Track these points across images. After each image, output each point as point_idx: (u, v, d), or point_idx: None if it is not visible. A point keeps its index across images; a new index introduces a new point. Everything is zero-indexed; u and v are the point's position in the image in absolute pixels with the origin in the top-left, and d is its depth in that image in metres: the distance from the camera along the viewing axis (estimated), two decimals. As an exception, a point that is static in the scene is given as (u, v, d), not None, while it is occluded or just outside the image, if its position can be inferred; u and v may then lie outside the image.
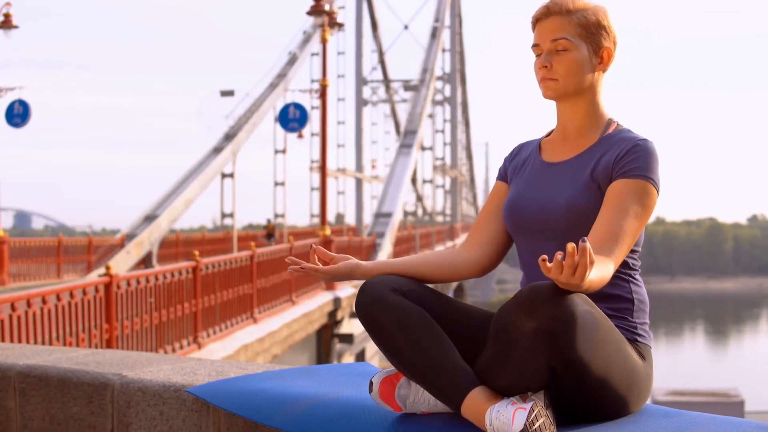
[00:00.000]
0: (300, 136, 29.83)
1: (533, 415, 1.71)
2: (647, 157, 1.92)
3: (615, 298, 1.96)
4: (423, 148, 39.72)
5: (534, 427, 1.70)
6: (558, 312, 1.68)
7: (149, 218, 20.47)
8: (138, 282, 8.20)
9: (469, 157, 70.48)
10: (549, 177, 2.03)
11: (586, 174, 1.97)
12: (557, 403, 1.81)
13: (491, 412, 1.75)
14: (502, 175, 2.17)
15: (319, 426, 1.97)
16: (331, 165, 32.66)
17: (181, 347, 9.20)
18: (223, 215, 24.36)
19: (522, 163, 2.13)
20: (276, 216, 27.11)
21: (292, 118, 21.44)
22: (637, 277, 2.01)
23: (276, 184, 26.36)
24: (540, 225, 1.99)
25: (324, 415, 1.99)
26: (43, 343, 6.47)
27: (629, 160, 1.93)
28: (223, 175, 23.26)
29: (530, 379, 1.75)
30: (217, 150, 23.07)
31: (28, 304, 6.36)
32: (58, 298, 6.80)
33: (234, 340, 10.72)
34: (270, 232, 26.56)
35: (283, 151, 26.14)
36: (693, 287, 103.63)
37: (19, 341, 6.21)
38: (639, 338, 1.95)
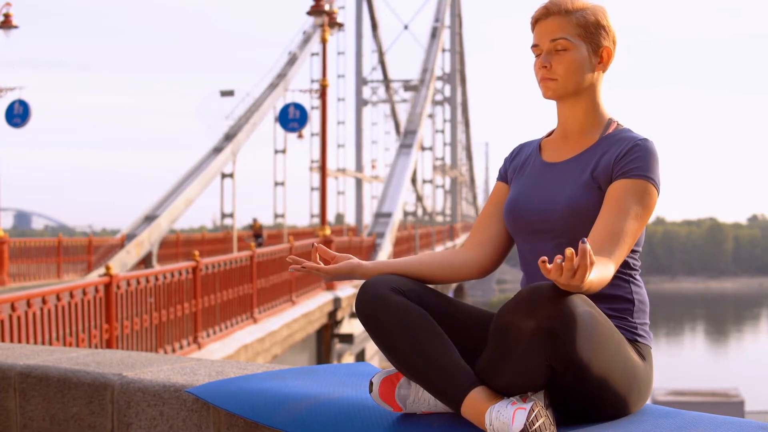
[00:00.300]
0: (300, 136, 29.82)
1: (533, 415, 1.71)
2: (647, 157, 1.92)
3: (615, 299, 1.95)
4: (423, 148, 39.69)
5: (534, 427, 1.70)
6: (558, 312, 1.68)
7: (149, 218, 20.46)
8: (138, 282, 8.20)
9: (469, 157, 70.46)
10: (549, 177, 2.03)
11: (586, 174, 1.97)
12: (557, 403, 1.81)
13: (491, 412, 1.75)
14: (503, 176, 2.17)
15: (319, 426, 1.96)
16: (331, 165, 32.68)
17: (181, 347, 9.20)
18: (223, 215, 24.33)
19: (522, 164, 2.12)
20: (276, 216, 27.05)
21: (292, 118, 21.42)
22: (638, 277, 2.00)
23: (276, 184, 26.37)
24: (540, 225, 1.99)
25: (324, 415, 1.99)
26: (43, 343, 6.47)
27: (629, 160, 1.92)
28: (223, 175, 23.25)
29: (530, 379, 1.75)
30: (217, 150, 23.06)
31: (28, 304, 6.36)
32: (58, 298, 6.80)
33: (234, 340, 10.72)
34: (257, 232, 25.44)
35: (283, 151, 26.15)
36: (693, 287, 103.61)
37: (19, 341, 6.20)
38: (639, 338, 1.95)
